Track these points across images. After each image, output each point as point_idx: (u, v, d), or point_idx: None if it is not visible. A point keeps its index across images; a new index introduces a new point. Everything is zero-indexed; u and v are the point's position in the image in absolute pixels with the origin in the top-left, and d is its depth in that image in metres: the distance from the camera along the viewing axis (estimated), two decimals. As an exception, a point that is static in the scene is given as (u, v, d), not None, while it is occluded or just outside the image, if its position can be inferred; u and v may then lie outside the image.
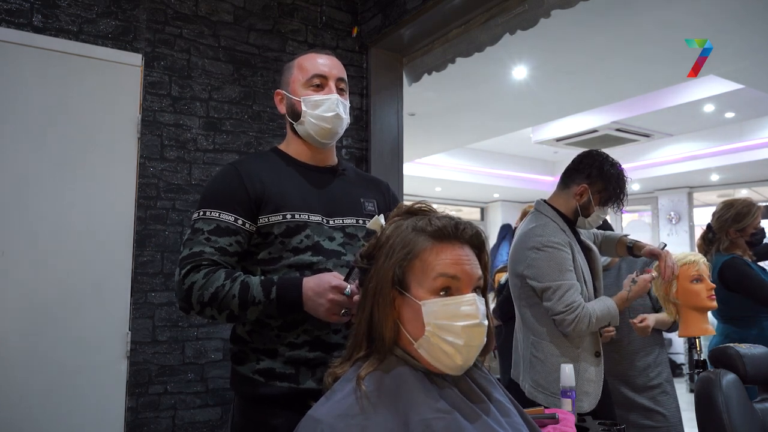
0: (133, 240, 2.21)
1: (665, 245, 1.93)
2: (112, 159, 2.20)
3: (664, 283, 1.91)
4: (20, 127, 2.04)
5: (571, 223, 1.90)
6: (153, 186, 2.31)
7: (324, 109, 1.32)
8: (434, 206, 0.98)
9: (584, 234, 2.01)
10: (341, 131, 1.36)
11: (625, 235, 2.08)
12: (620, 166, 1.89)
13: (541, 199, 1.96)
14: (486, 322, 0.88)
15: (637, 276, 1.83)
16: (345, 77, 1.39)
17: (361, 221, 1.35)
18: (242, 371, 1.27)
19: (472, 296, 0.87)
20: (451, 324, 0.85)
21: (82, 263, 2.09)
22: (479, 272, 0.90)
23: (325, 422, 0.79)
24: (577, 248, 1.83)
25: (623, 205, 1.88)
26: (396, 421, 0.80)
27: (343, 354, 0.96)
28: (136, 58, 2.28)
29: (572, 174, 1.91)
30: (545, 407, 1.57)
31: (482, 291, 0.91)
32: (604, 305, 1.76)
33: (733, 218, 2.48)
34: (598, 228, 2.15)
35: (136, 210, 2.23)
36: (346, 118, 1.36)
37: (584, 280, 1.81)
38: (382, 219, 0.99)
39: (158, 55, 2.35)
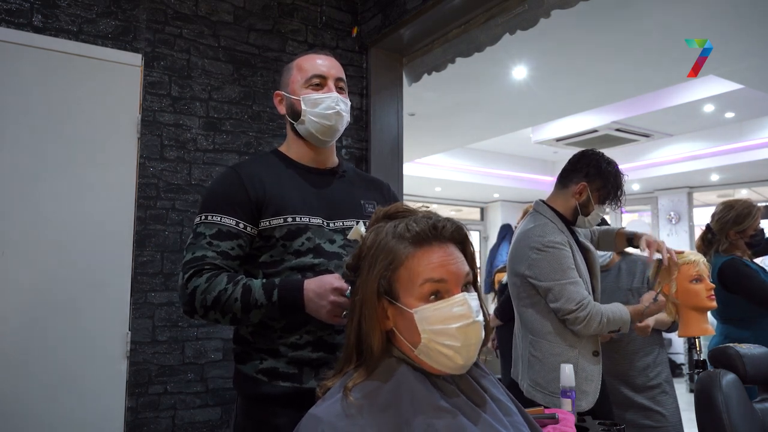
0: (133, 240, 2.21)
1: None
2: (112, 159, 2.20)
3: (663, 272, 1.90)
4: (20, 127, 2.04)
5: (570, 223, 1.91)
6: (153, 186, 2.31)
7: (324, 107, 1.32)
8: (433, 206, 0.98)
9: (582, 233, 2.01)
10: (342, 129, 1.37)
11: (622, 228, 2.10)
12: (616, 164, 1.90)
13: (540, 200, 1.96)
14: (480, 318, 0.87)
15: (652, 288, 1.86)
16: (344, 77, 1.39)
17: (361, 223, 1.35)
18: (245, 371, 1.27)
19: (462, 296, 0.86)
20: (446, 327, 0.84)
21: (82, 263, 2.09)
22: (466, 268, 0.89)
23: (326, 421, 0.79)
24: (575, 248, 1.84)
25: (621, 203, 1.89)
26: (397, 420, 0.80)
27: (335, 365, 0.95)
28: (136, 58, 2.28)
29: (570, 174, 1.92)
30: (544, 407, 1.57)
31: (472, 285, 0.91)
32: (617, 309, 1.76)
33: (733, 220, 2.48)
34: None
35: (136, 210, 2.23)
36: (347, 116, 1.36)
37: (583, 279, 1.81)
38: (362, 227, 0.98)
39: (158, 55, 2.35)
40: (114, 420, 2.10)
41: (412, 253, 0.87)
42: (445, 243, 0.89)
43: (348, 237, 1.00)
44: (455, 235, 0.90)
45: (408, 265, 0.87)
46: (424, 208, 0.96)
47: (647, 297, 1.84)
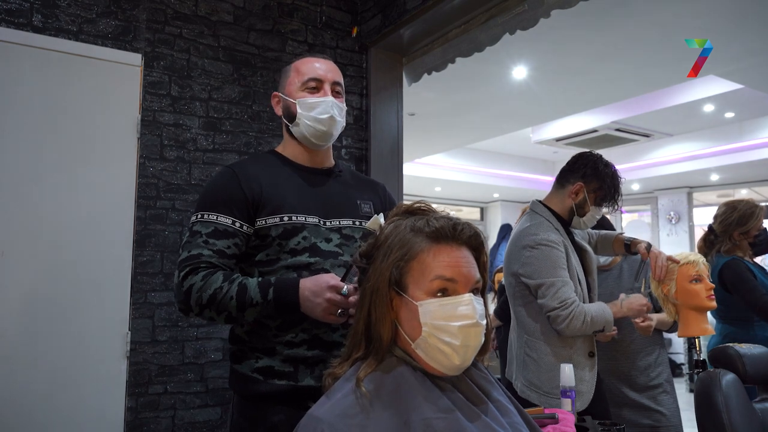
0: (133, 240, 2.21)
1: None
2: (112, 159, 2.20)
3: (658, 282, 1.91)
4: (20, 127, 2.04)
5: (566, 223, 1.91)
6: (153, 186, 2.31)
7: (319, 111, 1.33)
8: (434, 206, 0.98)
9: (578, 234, 2.02)
10: (336, 134, 1.37)
11: (621, 233, 2.10)
12: (614, 166, 1.91)
13: (536, 200, 1.97)
14: (483, 322, 0.88)
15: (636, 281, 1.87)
16: (341, 81, 1.40)
17: (357, 222, 1.35)
18: (241, 370, 1.27)
19: (468, 296, 0.87)
20: (448, 324, 0.85)
21: (82, 263, 2.09)
22: (477, 275, 0.89)
23: (326, 421, 0.79)
24: (570, 248, 1.84)
25: (618, 204, 1.89)
26: (397, 420, 0.81)
27: (342, 353, 0.96)
28: (136, 58, 2.28)
29: (567, 174, 1.93)
30: (542, 407, 1.57)
31: (481, 292, 0.91)
32: (600, 308, 1.77)
33: (737, 221, 2.48)
34: (597, 227, 2.16)
35: (136, 210, 2.23)
36: (341, 121, 1.37)
37: (578, 279, 1.81)
38: (381, 218, 0.99)
39: (158, 55, 2.35)
40: (114, 420, 2.10)
41: (427, 247, 0.88)
42: (461, 245, 0.90)
43: (366, 226, 1.01)
44: (472, 240, 0.91)
45: (421, 259, 0.87)
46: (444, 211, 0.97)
47: (622, 295, 1.87)
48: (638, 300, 1.84)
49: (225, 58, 2.51)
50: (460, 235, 0.89)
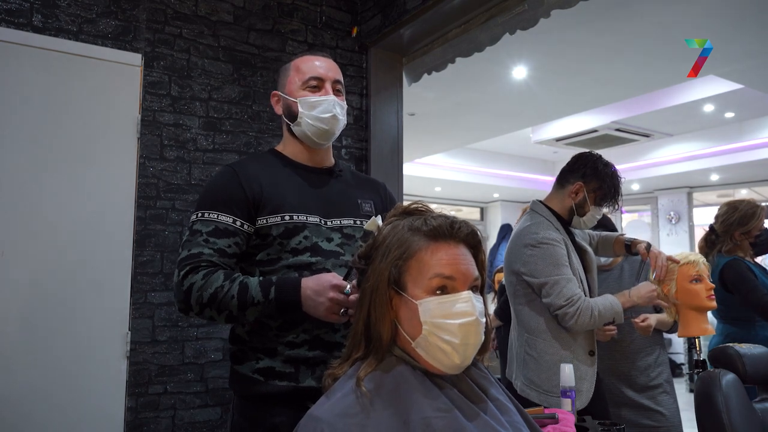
0: (133, 240, 2.21)
1: None
2: (112, 159, 2.20)
3: (658, 282, 1.91)
4: (20, 127, 2.04)
5: (566, 223, 1.92)
6: (153, 186, 2.31)
7: (321, 110, 1.32)
8: (433, 206, 0.99)
9: (579, 235, 2.02)
10: (338, 132, 1.37)
11: (622, 234, 2.10)
12: (614, 166, 1.92)
13: (537, 200, 1.98)
14: (483, 320, 0.88)
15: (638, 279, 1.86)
16: (341, 79, 1.40)
17: (358, 222, 1.35)
18: (242, 371, 1.27)
19: (467, 294, 0.87)
20: (447, 322, 0.85)
21: (82, 263, 2.09)
22: (475, 272, 0.90)
23: (326, 420, 0.79)
24: (571, 246, 1.85)
25: (618, 204, 1.90)
26: (396, 419, 0.81)
27: (341, 353, 0.96)
28: (136, 58, 2.28)
29: (567, 174, 1.94)
30: (542, 406, 1.57)
31: (479, 290, 0.91)
32: (606, 301, 1.76)
33: (738, 221, 2.48)
34: (598, 228, 2.16)
35: (136, 210, 2.23)
36: (343, 120, 1.37)
37: (579, 278, 1.81)
38: (379, 220, 0.99)
39: (158, 55, 2.35)
40: (114, 420, 2.10)
41: (425, 246, 0.88)
42: (459, 243, 0.90)
43: (364, 227, 1.01)
44: (470, 238, 0.92)
45: (419, 257, 0.88)
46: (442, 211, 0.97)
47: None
48: (646, 287, 1.82)
49: (225, 58, 2.51)
50: (458, 233, 0.90)
